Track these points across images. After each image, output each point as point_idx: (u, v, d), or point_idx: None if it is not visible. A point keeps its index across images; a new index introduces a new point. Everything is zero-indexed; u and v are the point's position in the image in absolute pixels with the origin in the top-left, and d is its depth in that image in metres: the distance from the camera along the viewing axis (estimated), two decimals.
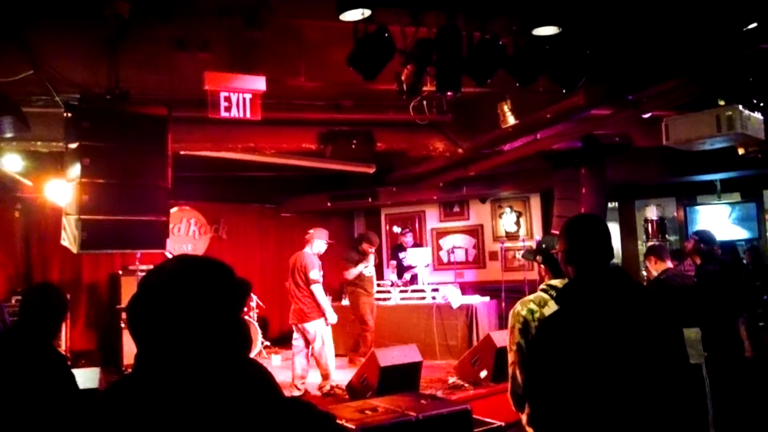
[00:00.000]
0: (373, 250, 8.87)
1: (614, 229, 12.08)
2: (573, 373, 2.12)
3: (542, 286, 3.39)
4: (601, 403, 2.12)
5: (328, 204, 11.67)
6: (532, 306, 3.29)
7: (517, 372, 3.18)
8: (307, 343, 7.40)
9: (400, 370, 6.48)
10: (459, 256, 11.84)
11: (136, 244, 5.22)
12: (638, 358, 2.16)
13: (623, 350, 2.15)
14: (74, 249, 4.75)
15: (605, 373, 2.13)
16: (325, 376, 7.36)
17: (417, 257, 10.46)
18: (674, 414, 2.18)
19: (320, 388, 7.40)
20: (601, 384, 2.12)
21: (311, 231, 7.81)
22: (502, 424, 5.12)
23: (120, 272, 9.03)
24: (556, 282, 3.17)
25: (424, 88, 4.65)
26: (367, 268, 8.86)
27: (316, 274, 7.39)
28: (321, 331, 7.31)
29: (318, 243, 7.65)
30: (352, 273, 8.80)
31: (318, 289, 7.37)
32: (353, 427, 4.56)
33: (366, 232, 10.24)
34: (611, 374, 2.13)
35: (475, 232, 12.06)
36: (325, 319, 7.39)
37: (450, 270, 11.78)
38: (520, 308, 3.33)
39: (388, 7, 3.93)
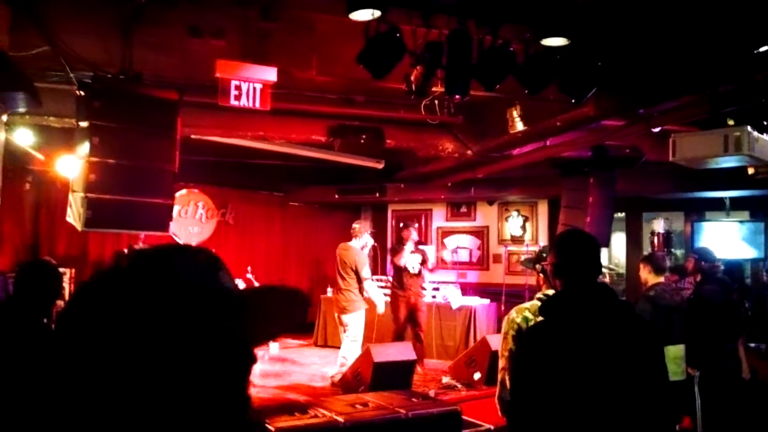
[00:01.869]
0: (410, 233, 8.64)
1: (621, 239, 12.05)
2: (551, 385, 2.15)
3: (538, 295, 3.42)
4: (577, 415, 2.14)
5: (336, 196, 11.71)
6: (527, 314, 3.33)
7: (507, 378, 3.21)
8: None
9: (394, 367, 6.52)
10: (463, 256, 11.83)
11: (140, 225, 5.26)
12: (617, 373, 2.18)
13: (602, 364, 2.18)
14: (78, 226, 4.80)
15: (583, 386, 2.15)
16: (341, 365, 7.43)
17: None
18: (649, 428, 2.21)
19: (332, 376, 7.51)
20: (578, 397, 2.14)
21: (356, 225, 7.87)
22: (491, 427, 5.15)
23: (125, 251, 9.11)
24: (552, 292, 3.20)
25: (433, 89, 4.66)
26: (411, 263, 8.55)
27: (367, 272, 7.52)
28: (354, 324, 7.40)
29: (366, 236, 7.74)
30: (401, 257, 8.48)
31: (369, 286, 7.55)
32: (342, 420, 4.60)
33: (406, 221, 10.19)
34: (589, 388, 2.15)
35: (481, 233, 12.05)
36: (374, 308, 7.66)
37: (452, 270, 11.79)
38: (515, 315, 3.37)
39: (399, 7, 3.94)
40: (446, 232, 12.39)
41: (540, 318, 3.08)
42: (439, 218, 12.50)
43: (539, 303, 3.18)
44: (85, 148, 4.80)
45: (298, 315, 0.91)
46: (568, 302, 2.31)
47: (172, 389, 0.79)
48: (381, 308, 7.77)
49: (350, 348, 7.40)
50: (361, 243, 7.70)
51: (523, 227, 11.60)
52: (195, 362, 0.81)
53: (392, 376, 6.34)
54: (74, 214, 4.83)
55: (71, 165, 5.64)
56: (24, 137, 7.01)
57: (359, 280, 7.47)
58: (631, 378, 2.19)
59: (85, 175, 4.73)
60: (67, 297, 8.37)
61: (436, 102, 6.19)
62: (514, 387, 2.40)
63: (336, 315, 7.68)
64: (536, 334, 2.33)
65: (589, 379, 2.15)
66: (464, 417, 5.19)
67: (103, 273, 0.86)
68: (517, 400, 2.28)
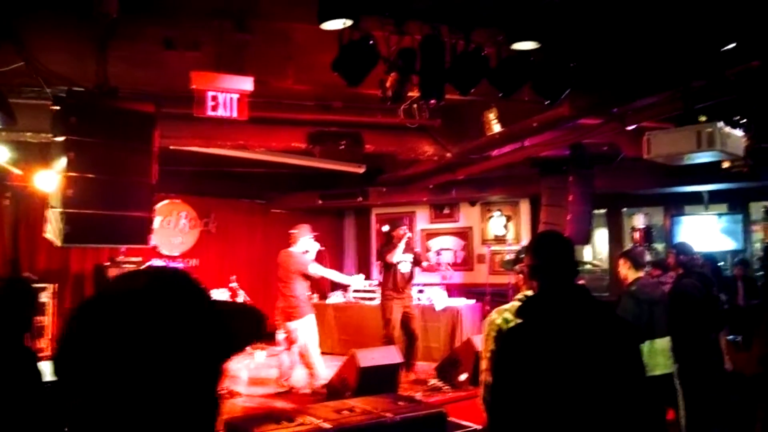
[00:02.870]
0: (402, 233, 8.36)
1: (602, 235, 12.16)
2: (530, 386, 2.18)
3: (518, 296, 3.46)
4: (557, 416, 2.17)
5: (319, 202, 11.73)
6: (507, 315, 3.36)
7: (490, 379, 3.24)
8: (291, 341, 7.43)
9: (380, 371, 6.54)
10: (447, 257, 11.89)
11: (120, 239, 5.25)
12: (595, 373, 2.21)
13: (580, 365, 2.21)
14: (57, 242, 4.78)
15: (561, 387, 2.18)
16: (312, 374, 7.37)
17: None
18: (628, 427, 2.24)
19: (310, 386, 7.45)
20: (557, 398, 2.17)
21: (293, 231, 7.77)
22: (478, 427, 5.19)
23: (107, 264, 9.06)
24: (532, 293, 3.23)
25: (409, 94, 4.69)
26: (403, 264, 8.34)
27: (314, 267, 7.47)
28: (304, 329, 7.34)
29: (304, 241, 7.63)
30: (394, 254, 8.23)
31: (330, 275, 7.81)
32: (329, 426, 4.62)
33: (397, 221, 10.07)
34: (567, 388, 2.18)
35: (464, 234, 12.12)
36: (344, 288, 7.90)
37: (437, 271, 11.83)
38: (496, 317, 3.41)
39: (372, 15, 3.97)
40: (430, 234, 12.44)
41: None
42: (422, 220, 12.55)
43: (519, 304, 3.23)
44: (61, 163, 4.79)
45: (259, 333, 1.03)
46: (545, 304, 2.34)
47: (168, 391, 0.90)
48: (356, 282, 8.17)
49: (309, 355, 7.32)
50: (302, 248, 7.57)
51: (506, 227, 11.68)
52: (198, 370, 0.94)
53: (378, 380, 6.36)
54: (52, 230, 4.81)
55: (49, 180, 5.61)
56: (0, 153, 6.96)
57: (304, 284, 7.40)
58: (610, 378, 2.21)
59: (62, 190, 4.71)
60: (47, 312, 8.31)
61: (414, 106, 6.22)
62: (493, 389, 2.43)
63: (281, 323, 7.41)
64: (513, 336, 2.37)
65: (567, 380, 2.17)
66: (450, 418, 5.22)
67: (120, 291, 0.97)
68: (497, 402, 2.31)
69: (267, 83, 5.48)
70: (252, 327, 1.05)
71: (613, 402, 2.20)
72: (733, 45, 4.15)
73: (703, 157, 5.07)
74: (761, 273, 9.36)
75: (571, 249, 2.57)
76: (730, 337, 5.99)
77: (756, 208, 10.48)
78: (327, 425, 4.63)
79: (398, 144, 7.69)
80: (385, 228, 11.24)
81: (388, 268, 8.32)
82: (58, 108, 4.92)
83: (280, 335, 7.52)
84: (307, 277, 7.42)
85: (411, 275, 8.45)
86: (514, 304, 3.34)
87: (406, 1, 4.13)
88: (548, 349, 2.22)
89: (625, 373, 2.27)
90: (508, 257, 8.78)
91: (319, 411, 5.02)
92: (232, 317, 1.02)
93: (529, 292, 3.24)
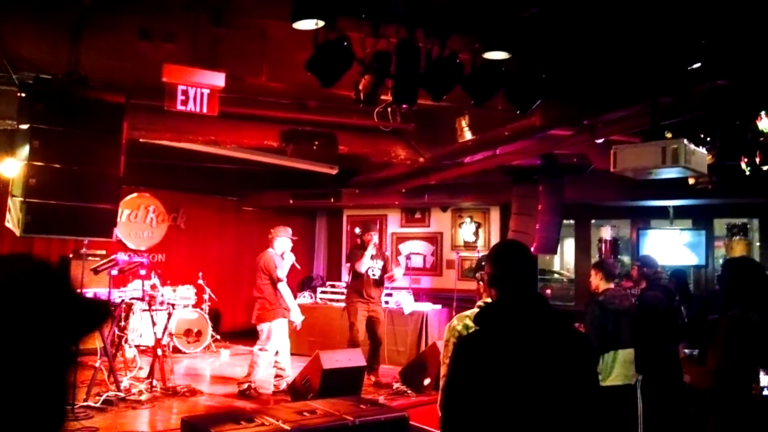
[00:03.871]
0: (369, 238, 8.26)
1: (570, 245, 12.31)
2: (481, 394, 2.19)
3: (479, 303, 3.47)
4: (508, 424, 2.18)
5: (291, 201, 11.68)
6: (468, 322, 3.37)
7: None
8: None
9: (343, 374, 6.52)
10: (416, 262, 11.91)
11: (83, 231, 5.15)
12: (549, 382, 2.23)
13: (534, 374, 2.22)
14: (17, 232, 4.68)
15: (514, 395, 2.19)
16: (248, 374, 7.38)
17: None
18: None
19: (239, 384, 7.45)
20: (510, 406, 2.18)
21: (272, 230, 7.72)
22: None
23: (70, 255, 8.91)
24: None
25: (383, 97, 4.69)
26: (372, 270, 8.28)
27: (280, 272, 7.40)
28: (267, 334, 7.32)
29: (281, 241, 7.59)
30: (362, 263, 8.14)
31: (283, 287, 7.43)
32: (288, 428, 4.59)
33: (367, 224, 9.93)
34: (520, 397, 2.19)
35: (435, 239, 12.17)
36: (289, 319, 7.52)
37: (406, 275, 11.85)
38: (456, 323, 3.42)
39: (348, 16, 3.96)
40: (401, 238, 12.47)
41: None
42: (393, 224, 12.57)
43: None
44: (25, 151, 4.69)
45: (101, 322, 1.22)
46: (501, 312, 2.35)
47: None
48: (296, 317, 7.59)
49: (260, 357, 7.30)
50: (279, 250, 7.53)
51: (476, 233, 11.75)
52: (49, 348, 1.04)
53: (341, 383, 6.34)
54: (13, 219, 4.71)
55: (12, 168, 5.49)
56: None
57: (274, 286, 7.36)
58: (562, 388, 2.23)
59: (24, 179, 4.62)
60: None
61: (389, 109, 6.23)
62: (446, 395, 2.43)
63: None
64: (468, 344, 2.37)
65: (519, 388, 2.19)
66: (412, 423, 5.23)
67: None
68: (449, 409, 2.31)
69: (241, 79, 5.44)
70: (95, 315, 1.15)
71: (565, 412, 2.21)
72: (698, 65, 4.24)
73: (668, 173, 5.16)
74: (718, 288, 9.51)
75: (530, 258, 2.59)
76: (687, 350, 6.10)
77: (719, 225, 10.71)
78: (287, 426, 4.60)
79: (372, 146, 7.69)
80: (358, 230, 11.24)
81: (357, 273, 8.30)
82: (24, 94, 4.82)
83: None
84: (272, 280, 7.34)
85: (381, 280, 8.40)
86: (475, 310, 3.36)
87: (383, 4, 4.13)
88: (502, 357, 2.23)
89: (577, 384, 2.28)
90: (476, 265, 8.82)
91: (280, 412, 4.99)
92: (81, 305, 1.12)
93: (489, 300, 3.26)
